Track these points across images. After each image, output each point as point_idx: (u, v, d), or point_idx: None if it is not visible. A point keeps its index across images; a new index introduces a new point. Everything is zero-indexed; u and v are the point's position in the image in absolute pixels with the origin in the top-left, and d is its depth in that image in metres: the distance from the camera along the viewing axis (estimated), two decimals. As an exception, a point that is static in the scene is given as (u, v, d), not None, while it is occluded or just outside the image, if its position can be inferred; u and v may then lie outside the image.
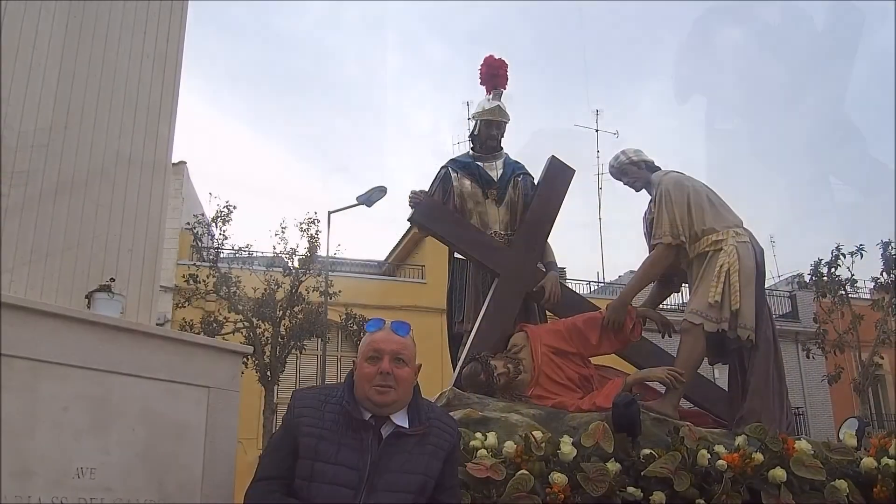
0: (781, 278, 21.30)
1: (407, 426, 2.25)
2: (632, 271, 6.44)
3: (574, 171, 4.68)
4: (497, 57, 4.86)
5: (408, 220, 4.50)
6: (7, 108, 3.31)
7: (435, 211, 4.46)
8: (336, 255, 14.75)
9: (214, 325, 12.55)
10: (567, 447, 3.01)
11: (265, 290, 13.00)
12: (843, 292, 15.14)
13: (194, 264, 13.55)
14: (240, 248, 14.25)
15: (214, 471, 2.69)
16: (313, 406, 2.26)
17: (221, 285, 12.81)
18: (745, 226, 4.07)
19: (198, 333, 10.62)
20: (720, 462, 3.12)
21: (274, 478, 2.20)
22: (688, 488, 3.03)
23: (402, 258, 20.74)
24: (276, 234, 13.81)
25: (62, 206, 3.45)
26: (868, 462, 3.31)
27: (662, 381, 3.79)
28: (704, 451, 3.14)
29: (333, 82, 60.16)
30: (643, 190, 4.33)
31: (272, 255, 13.97)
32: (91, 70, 3.68)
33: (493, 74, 4.81)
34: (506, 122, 4.79)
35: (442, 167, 4.73)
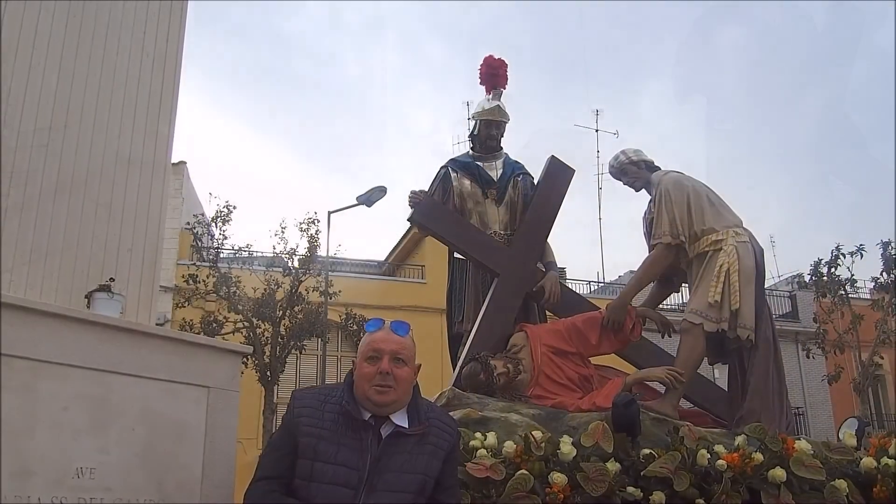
0: (781, 278, 21.32)
1: (406, 426, 2.25)
2: (632, 271, 6.44)
3: (574, 170, 4.68)
4: (497, 57, 4.86)
5: (407, 219, 4.50)
6: (7, 108, 3.31)
7: (435, 211, 4.46)
8: (336, 255, 14.76)
9: (214, 325, 12.55)
10: (567, 447, 3.01)
11: (265, 290, 12.99)
12: (843, 292, 15.14)
13: (194, 264, 13.54)
14: (240, 248, 14.27)
15: (214, 471, 2.69)
16: (313, 406, 2.26)
17: (221, 285, 12.80)
18: (745, 226, 4.07)
19: (198, 333, 10.61)
20: (720, 462, 3.12)
21: (273, 478, 2.20)
22: (687, 488, 3.03)
23: (402, 258, 20.73)
24: (276, 234, 13.83)
25: (62, 206, 3.45)
26: (868, 462, 3.31)
27: (662, 381, 3.79)
28: (704, 451, 3.14)
29: (333, 82, 60.21)
30: (643, 190, 4.33)
31: (272, 255, 13.97)
32: (91, 69, 3.68)
33: (493, 74, 4.81)
34: (505, 122, 4.79)
35: (442, 167, 4.73)
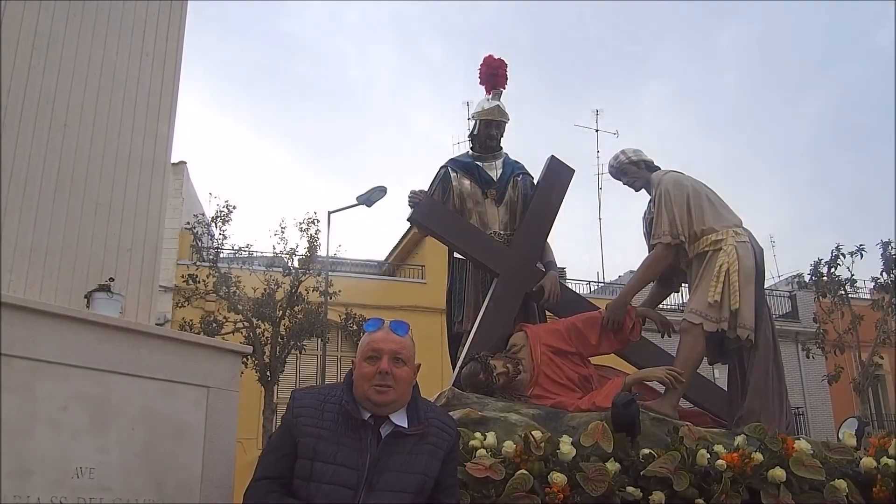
0: (781, 278, 21.34)
1: (406, 426, 2.25)
2: (632, 271, 6.44)
3: (574, 170, 4.69)
4: (496, 57, 4.86)
5: (407, 219, 4.50)
6: (7, 108, 3.31)
7: (434, 211, 4.46)
8: (336, 255, 14.76)
9: (214, 324, 12.55)
10: (566, 447, 3.01)
11: (265, 290, 13.00)
12: (843, 292, 15.14)
13: (194, 264, 13.54)
14: (240, 248, 14.27)
15: (213, 470, 2.69)
16: (312, 406, 2.26)
17: (221, 285, 12.80)
18: (744, 226, 4.07)
19: (197, 333, 10.61)
20: (719, 462, 3.12)
21: (273, 477, 2.20)
22: (687, 488, 3.03)
23: (402, 258, 20.74)
24: (275, 234, 13.84)
25: (62, 205, 3.45)
26: (867, 462, 3.31)
27: (662, 381, 3.79)
28: (704, 451, 3.14)
29: (333, 82, 60.21)
30: (643, 190, 4.33)
31: (272, 255, 13.97)
32: (91, 69, 3.68)
33: (493, 74, 4.81)
34: (505, 122, 4.79)
35: (441, 167, 4.73)
